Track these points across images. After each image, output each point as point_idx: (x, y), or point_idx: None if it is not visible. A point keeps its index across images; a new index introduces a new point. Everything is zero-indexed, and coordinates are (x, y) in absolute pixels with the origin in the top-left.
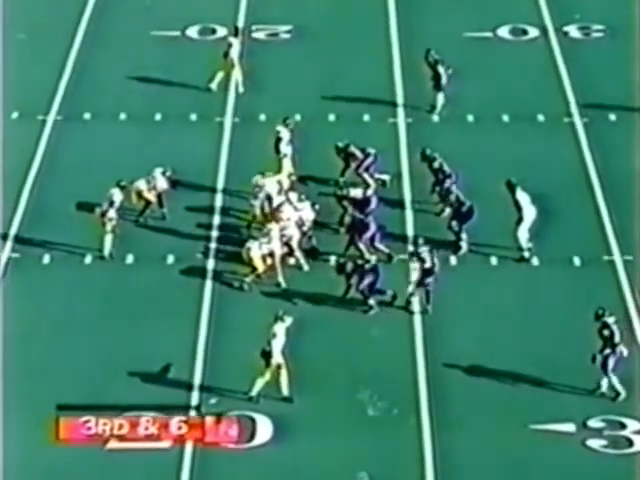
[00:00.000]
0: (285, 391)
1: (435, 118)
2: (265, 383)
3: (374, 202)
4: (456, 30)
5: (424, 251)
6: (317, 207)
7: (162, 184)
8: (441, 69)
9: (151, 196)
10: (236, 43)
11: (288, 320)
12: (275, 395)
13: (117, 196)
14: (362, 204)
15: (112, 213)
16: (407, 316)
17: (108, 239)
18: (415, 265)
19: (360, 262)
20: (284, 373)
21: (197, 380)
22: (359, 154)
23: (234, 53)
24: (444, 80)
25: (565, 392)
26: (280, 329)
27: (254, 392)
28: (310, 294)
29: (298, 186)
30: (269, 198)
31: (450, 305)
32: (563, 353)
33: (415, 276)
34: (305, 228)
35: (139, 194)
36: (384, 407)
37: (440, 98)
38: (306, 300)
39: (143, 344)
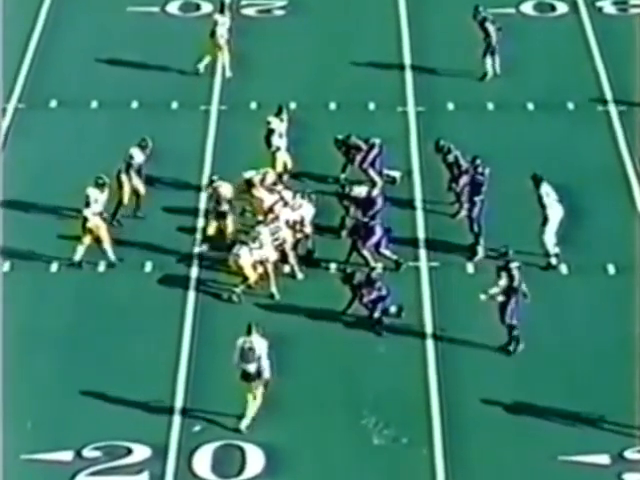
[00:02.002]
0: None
1: (450, 106)
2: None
3: (380, 202)
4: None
5: (514, 267)
6: (313, 197)
7: (139, 158)
8: (491, 28)
9: (140, 186)
10: (223, 21)
11: (259, 332)
12: (267, 421)
13: (94, 194)
14: (366, 204)
15: (94, 209)
16: (418, 332)
17: (83, 244)
18: (502, 282)
19: (369, 273)
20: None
21: (179, 404)
22: (363, 145)
23: (221, 32)
24: (494, 40)
25: (598, 419)
26: (259, 341)
27: (244, 424)
28: (308, 306)
29: (294, 183)
30: (218, 201)
31: (466, 319)
32: (595, 374)
33: (500, 297)
34: (305, 228)
35: (119, 184)
36: (391, 435)
37: (489, 62)
38: (303, 313)
39: (117, 363)
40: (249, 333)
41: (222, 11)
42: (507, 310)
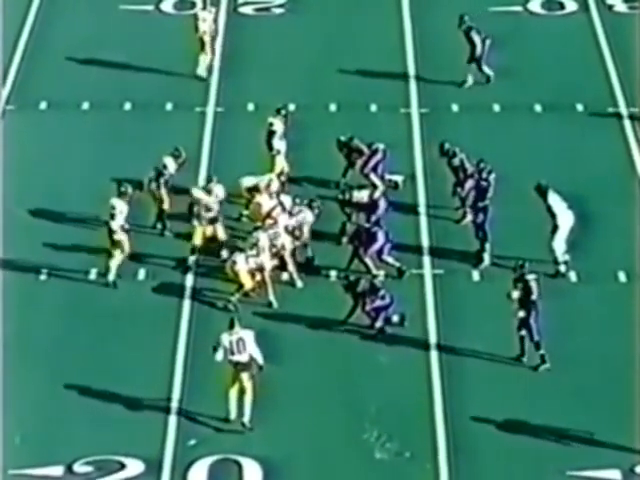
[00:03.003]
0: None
1: (454, 108)
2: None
3: (382, 207)
4: (480, 3)
5: (532, 279)
6: (316, 204)
7: (172, 168)
8: (476, 38)
9: (165, 199)
10: (203, 16)
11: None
12: (265, 434)
13: (120, 206)
14: (368, 210)
15: (120, 221)
16: (421, 342)
17: (115, 260)
18: (515, 294)
19: (374, 282)
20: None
21: (173, 417)
22: (365, 149)
23: (203, 29)
24: (478, 51)
25: (609, 433)
26: (245, 332)
27: (246, 418)
28: (307, 315)
29: (293, 188)
30: (207, 208)
31: (472, 328)
32: (605, 386)
33: (521, 313)
34: (303, 235)
35: (153, 195)
36: (394, 449)
37: (471, 69)
38: (302, 322)
39: (109, 374)
40: (232, 327)
41: (204, 7)
42: (531, 326)
